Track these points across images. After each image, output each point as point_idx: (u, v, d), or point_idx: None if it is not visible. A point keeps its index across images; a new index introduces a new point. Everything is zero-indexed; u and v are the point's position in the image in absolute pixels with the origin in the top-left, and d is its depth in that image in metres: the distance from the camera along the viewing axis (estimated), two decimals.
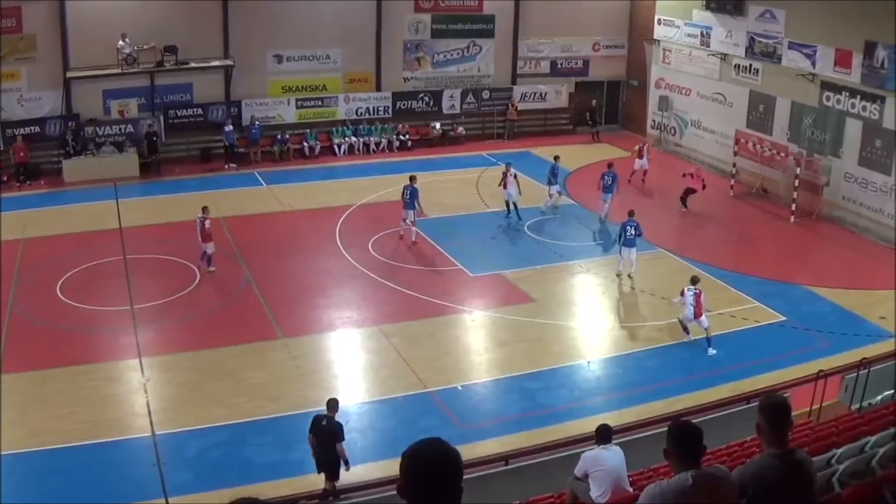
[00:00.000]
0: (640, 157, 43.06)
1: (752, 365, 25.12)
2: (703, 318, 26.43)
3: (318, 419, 18.69)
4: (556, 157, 39.78)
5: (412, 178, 35.02)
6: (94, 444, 21.28)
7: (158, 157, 44.47)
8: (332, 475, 18.69)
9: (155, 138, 44.25)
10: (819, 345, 26.74)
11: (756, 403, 7.67)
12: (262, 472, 20.25)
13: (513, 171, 37.56)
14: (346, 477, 18.96)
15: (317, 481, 19.31)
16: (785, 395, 15.14)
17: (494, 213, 38.04)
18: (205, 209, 31.55)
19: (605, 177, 37.58)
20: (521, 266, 32.80)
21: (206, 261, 31.59)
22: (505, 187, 37.24)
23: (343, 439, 18.47)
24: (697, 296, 26.24)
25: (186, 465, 20.65)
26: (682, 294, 26.55)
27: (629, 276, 31.35)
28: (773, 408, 7.26)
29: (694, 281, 26.88)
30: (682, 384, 24.35)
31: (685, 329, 27.19)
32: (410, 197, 34.44)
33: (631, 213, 31.66)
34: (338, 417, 18.68)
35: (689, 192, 39.23)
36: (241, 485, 18.98)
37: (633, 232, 30.87)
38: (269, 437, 21.88)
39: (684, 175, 39.59)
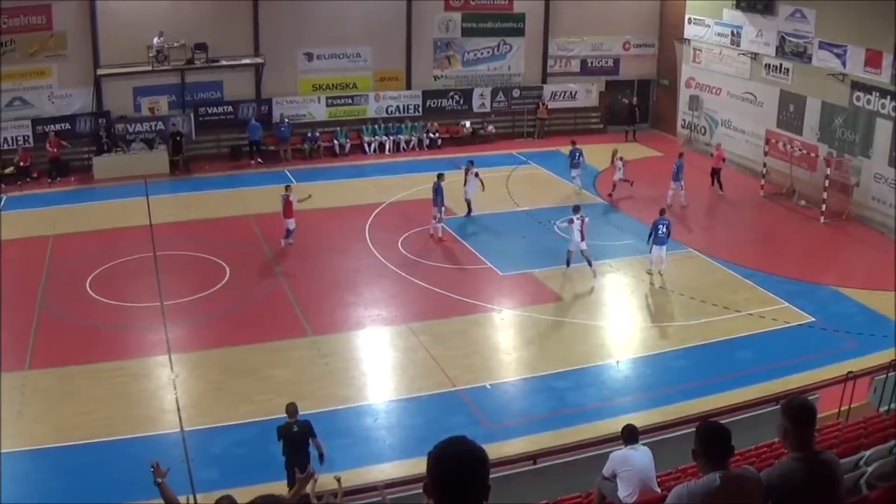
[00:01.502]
0: (613, 163, 42.64)
1: (780, 366, 24.97)
2: (585, 242, 31.06)
3: (286, 427, 18.91)
4: (573, 142, 40.63)
5: (440, 177, 35.33)
6: (121, 440, 21.38)
7: (188, 154, 44.65)
8: (303, 469, 18.68)
9: (179, 138, 44.43)
10: (847, 346, 26.58)
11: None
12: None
13: (475, 170, 37.69)
14: (375, 475, 19.00)
15: (344, 479, 19.33)
16: (810, 396, 15.09)
17: (524, 212, 37.99)
18: (288, 187, 34.60)
19: (675, 164, 38.86)
20: (551, 265, 32.68)
21: (287, 235, 33.88)
22: (465, 184, 37.57)
23: (316, 435, 18.79)
24: (583, 221, 30.81)
25: (212, 462, 20.74)
26: (571, 223, 31.06)
27: (660, 272, 31.32)
28: (797, 410, 7.23)
29: (576, 209, 31.61)
30: (711, 384, 24.20)
31: (568, 262, 31.69)
32: (436, 194, 34.64)
33: (662, 212, 32.06)
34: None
35: (715, 172, 39.84)
36: (266, 482, 19.01)
37: (664, 230, 30.97)
38: None
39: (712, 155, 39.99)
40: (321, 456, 18.69)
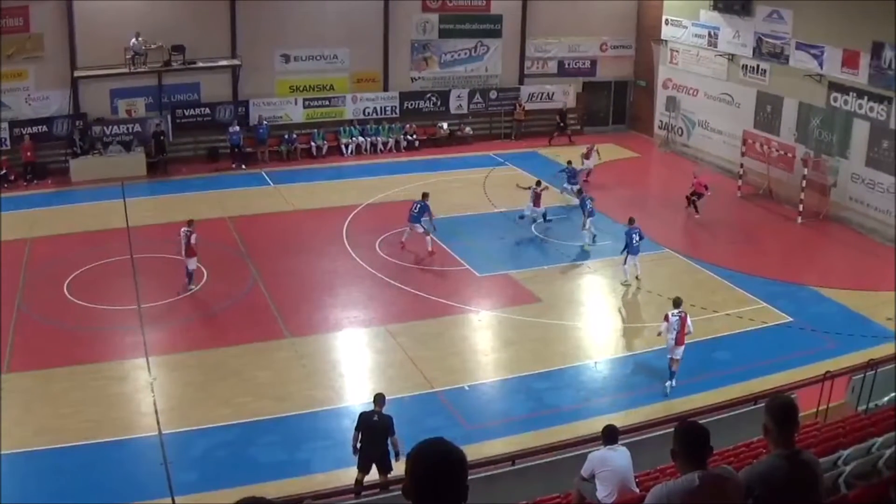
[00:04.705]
0: (588, 157, 42.95)
1: (759, 366, 25.04)
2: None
3: (367, 416, 18.89)
4: (568, 162, 40.60)
5: (425, 196, 34.10)
6: (100, 444, 21.30)
7: (166, 156, 44.53)
8: (385, 468, 18.79)
9: (162, 137, 44.34)
10: (826, 346, 26.69)
11: (763, 404, 7.65)
12: (267, 471, 20.25)
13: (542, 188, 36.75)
14: (353, 477, 18.97)
15: (324, 481, 19.46)
16: (792, 395, 15.11)
17: (501, 214, 37.91)
18: (191, 222, 30.35)
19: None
20: (529, 266, 32.78)
21: (188, 278, 30.26)
22: (538, 205, 36.37)
23: (395, 433, 18.63)
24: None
25: (192, 465, 20.66)
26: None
27: (637, 277, 31.24)
28: (781, 408, 7.26)
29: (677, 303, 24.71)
30: (689, 385, 24.24)
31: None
32: (419, 212, 33.57)
33: (631, 221, 31.24)
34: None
35: (695, 195, 38.82)
36: (246, 484, 18.98)
37: (638, 239, 30.75)
38: (276, 436, 21.89)
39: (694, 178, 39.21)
40: (397, 454, 18.56)
